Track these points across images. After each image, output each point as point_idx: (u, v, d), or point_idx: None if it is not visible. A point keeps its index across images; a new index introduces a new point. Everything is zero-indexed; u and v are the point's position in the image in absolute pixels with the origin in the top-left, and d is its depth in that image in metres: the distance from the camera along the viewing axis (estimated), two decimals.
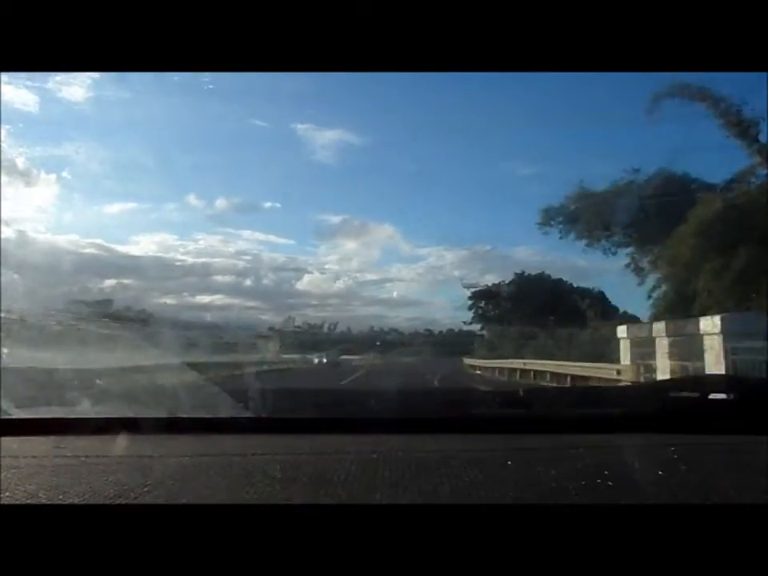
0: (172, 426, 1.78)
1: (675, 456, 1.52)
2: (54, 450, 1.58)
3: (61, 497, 1.23)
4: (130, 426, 1.73)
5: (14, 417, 1.81)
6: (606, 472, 1.38)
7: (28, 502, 1.20)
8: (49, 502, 1.18)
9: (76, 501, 1.22)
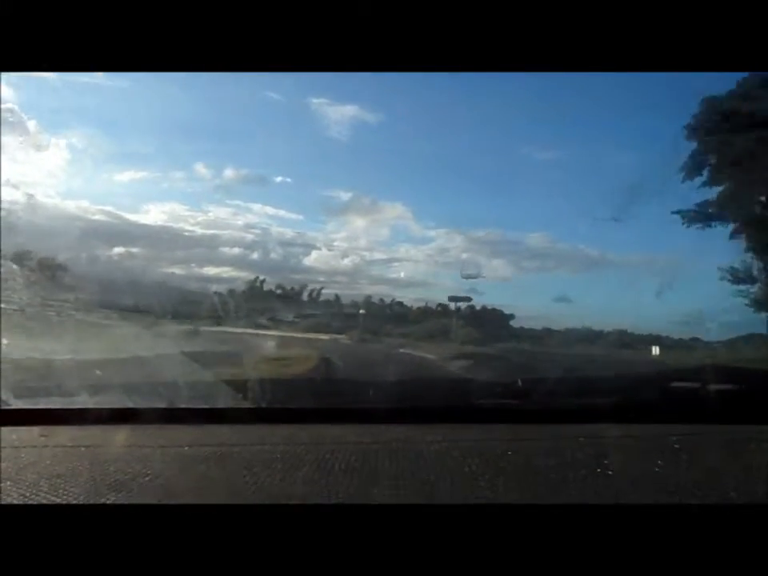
0: (172, 416, 1.78)
1: (675, 446, 1.53)
2: (53, 439, 1.59)
3: (62, 486, 1.23)
4: (131, 415, 1.73)
5: (13, 407, 1.82)
6: (605, 461, 1.39)
7: (28, 491, 1.21)
8: (49, 498, 1.18)
9: (75, 490, 1.22)
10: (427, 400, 2.05)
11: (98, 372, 2.34)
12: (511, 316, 18.13)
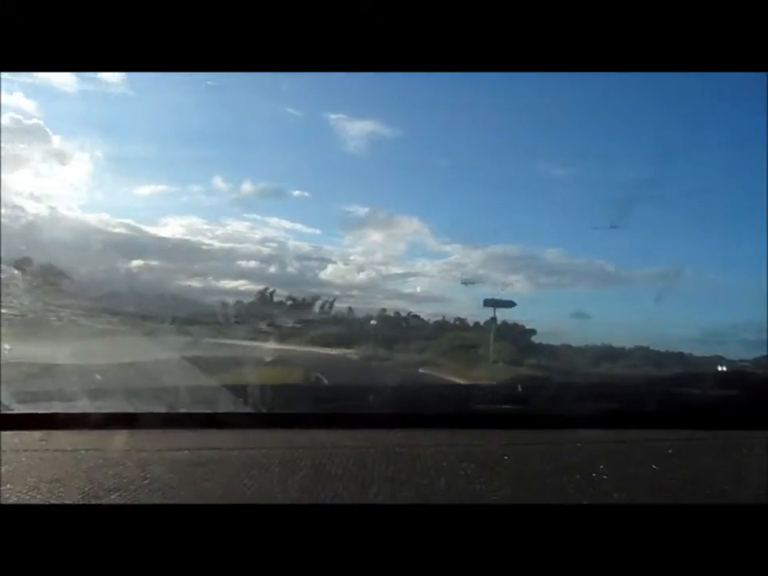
0: (172, 420, 1.79)
1: (670, 451, 1.54)
2: (53, 443, 1.59)
3: (61, 489, 1.24)
4: (131, 420, 1.74)
5: (14, 412, 1.83)
6: (600, 466, 1.40)
7: (29, 494, 1.21)
8: (49, 502, 1.18)
9: (75, 493, 1.22)
10: (426, 405, 2.06)
11: (126, 373, 2.35)
12: (533, 331, 16.75)
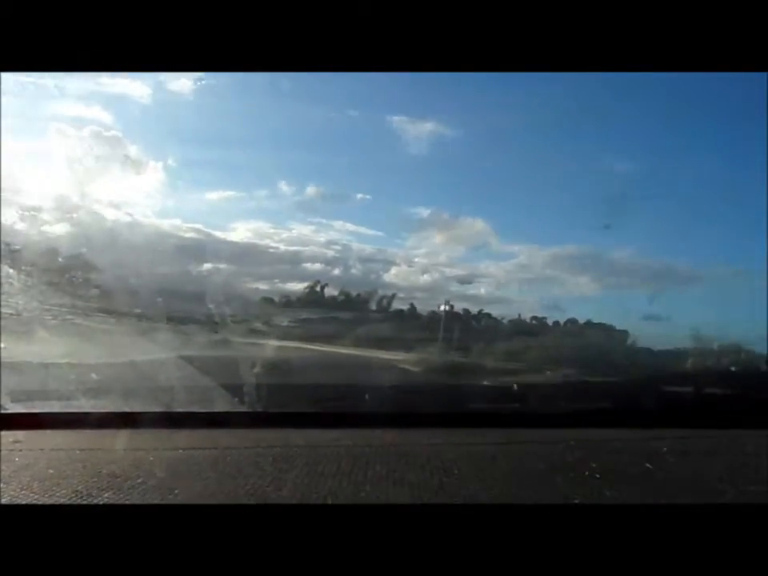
0: (170, 419, 1.79)
1: (665, 449, 1.55)
2: (50, 442, 1.60)
3: (54, 488, 1.24)
4: (128, 420, 1.74)
5: (10, 411, 1.83)
6: (593, 465, 1.41)
7: (22, 492, 1.22)
8: (46, 500, 1.19)
9: (68, 491, 1.23)
10: (422, 405, 2.07)
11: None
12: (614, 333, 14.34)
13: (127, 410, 1.83)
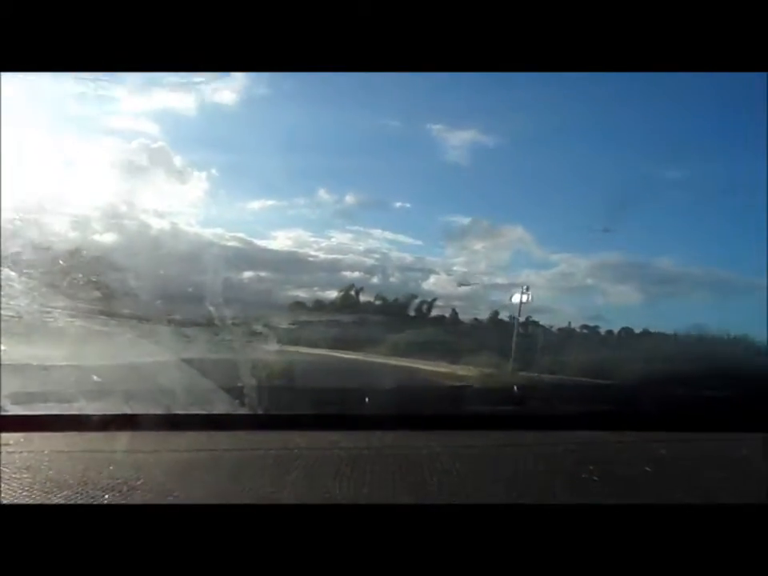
0: (171, 422, 1.79)
1: (663, 452, 1.55)
2: (51, 444, 1.60)
3: (55, 489, 1.24)
4: (129, 422, 1.74)
5: (11, 413, 1.83)
6: (590, 467, 1.41)
7: (23, 493, 1.22)
8: (47, 501, 1.18)
9: (69, 493, 1.23)
10: (423, 407, 2.07)
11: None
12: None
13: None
